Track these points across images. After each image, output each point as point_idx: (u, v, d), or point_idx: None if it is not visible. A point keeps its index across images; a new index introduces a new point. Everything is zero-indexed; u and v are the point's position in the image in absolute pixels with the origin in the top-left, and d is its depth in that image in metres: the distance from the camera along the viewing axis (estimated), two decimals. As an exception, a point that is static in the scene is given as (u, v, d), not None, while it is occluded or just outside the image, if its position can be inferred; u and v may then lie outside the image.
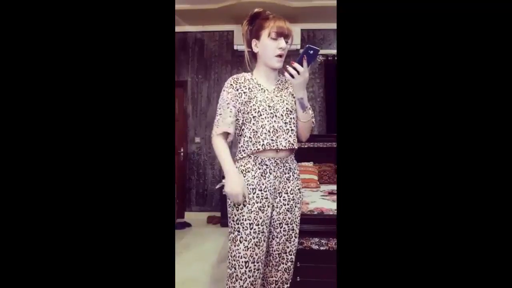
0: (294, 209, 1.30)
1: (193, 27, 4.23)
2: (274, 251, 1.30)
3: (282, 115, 1.27)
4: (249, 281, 1.20)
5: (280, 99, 1.29)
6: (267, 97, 1.27)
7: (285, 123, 1.27)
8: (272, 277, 1.32)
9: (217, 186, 3.86)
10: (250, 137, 1.25)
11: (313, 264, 1.77)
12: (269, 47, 1.25)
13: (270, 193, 1.26)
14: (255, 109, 1.25)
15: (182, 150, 4.24)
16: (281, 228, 1.28)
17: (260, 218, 1.22)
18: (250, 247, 1.19)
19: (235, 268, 1.20)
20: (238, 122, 1.28)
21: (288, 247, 1.30)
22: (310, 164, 3.43)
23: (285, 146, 1.25)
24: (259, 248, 1.21)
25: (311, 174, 3.17)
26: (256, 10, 1.33)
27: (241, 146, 1.28)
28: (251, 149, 1.24)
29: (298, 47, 3.90)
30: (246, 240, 1.20)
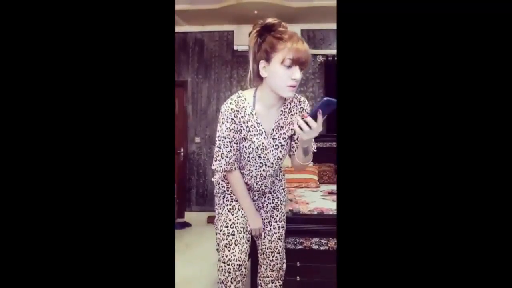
0: (280, 207, 1.35)
1: (193, 27, 4.23)
2: (267, 249, 1.32)
3: (272, 163, 1.23)
4: (241, 284, 1.24)
5: (275, 146, 1.20)
6: (262, 144, 1.18)
7: (274, 170, 1.27)
8: (268, 277, 1.34)
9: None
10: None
11: (313, 264, 1.77)
12: (280, 75, 1.07)
13: (255, 196, 1.33)
14: (247, 153, 1.20)
15: (182, 150, 4.24)
16: (271, 226, 1.33)
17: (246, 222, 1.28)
18: (244, 251, 1.23)
19: (229, 273, 1.20)
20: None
21: (280, 246, 1.34)
22: (310, 164, 3.43)
23: (267, 189, 1.32)
24: (248, 252, 1.27)
25: (311, 174, 3.18)
26: (269, 20, 1.11)
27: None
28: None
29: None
30: (240, 243, 1.22)
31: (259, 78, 1.16)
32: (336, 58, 3.97)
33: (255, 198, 1.33)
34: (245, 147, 1.19)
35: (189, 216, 4.16)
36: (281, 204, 1.35)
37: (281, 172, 1.39)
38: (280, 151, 1.22)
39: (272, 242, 1.32)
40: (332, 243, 1.79)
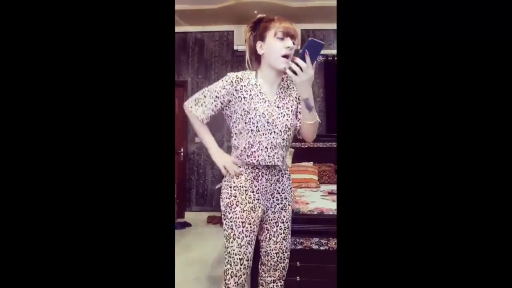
0: (288, 208, 1.33)
1: (193, 27, 4.23)
2: (272, 251, 1.31)
3: (280, 131, 1.24)
4: (243, 278, 1.24)
5: (281, 113, 1.25)
6: (267, 110, 1.23)
7: (283, 139, 1.25)
8: (270, 277, 1.33)
9: (217, 186, 3.85)
10: (245, 148, 1.25)
11: (313, 264, 1.77)
12: (275, 47, 1.20)
13: (262, 195, 1.28)
14: (254, 123, 1.22)
15: (182, 150, 4.24)
16: (277, 227, 1.31)
17: (252, 218, 1.25)
18: (243, 245, 1.23)
19: (230, 265, 1.23)
20: (232, 127, 1.29)
21: (285, 246, 1.32)
22: (310, 164, 3.43)
23: (279, 163, 1.27)
24: (251, 247, 1.25)
25: (311, 174, 3.17)
26: (259, 16, 1.30)
27: (236, 156, 1.29)
28: (245, 161, 1.26)
29: (298, 47, 3.89)
30: (239, 238, 1.23)
31: (257, 62, 1.29)
32: (336, 58, 3.98)
33: (268, 177, 1.28)
34: (251, 117, 1.22)
35: (189, 216, 4.16)
36: (289, 205, 1.34)
37: (287, 171, 1.37)
38: (287, 119, 1.26)
39: (277, 243, 1.31)
40: (332, 243, 1.79)
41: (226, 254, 1.25)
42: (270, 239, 1.31)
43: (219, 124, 4.18)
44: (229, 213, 1.26)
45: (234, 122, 1.27)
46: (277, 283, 1.34)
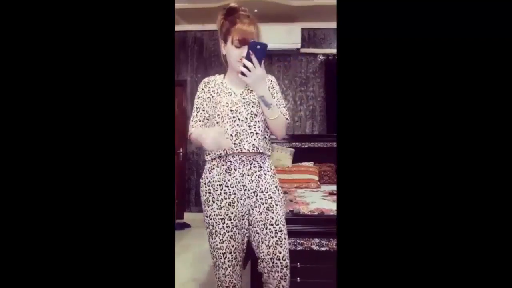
0: (276, 208, 1.27)
1: (192, 26, 4.22)
2: (266, 256, 1.26)
3: (246, 118, 1.26)
4: (230, 270, 1.26)
5: (246, 102, 1.27)
6: (232, 100, 1.27)
7: (249, 126, 1.26)
8: (270, 284, 1.29)
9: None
10: None
11: (314, 265, 1.77)
12: (233, 54, 1.24)
13: (238, 189, 1.27)
14: (219, 114, 1.27)
15: (181, 150, 4.24)
16: (266, 229, 1.26)
17: (232, 213, 1.26)
18: (226, 240, 1.25)
19: (216, 258, 1.27)
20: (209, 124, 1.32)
21: (280, 252, 1.25)
22: (311, 164, 3.42)
23: (248, 150, 1.25)
24: (234, 240, 1.26)
25: (311, 174, 3.17)
26: (231, 5, 1.29)
27: (208, 151, 1.30)
28: (215, 152, 1.27)
29: (298, 46, 3.90)
30: (220, 234, 1.25)
31: (225, 59, 1.33)
32: (336, 57, 3.97)
33: (243, 171, 1.27)
34: (218, 109, 1.27)
35: (188, 217, 4.15)
36: (276, 205, 1.27)
37: (272, 167, 1.33)
38: (253, 107, 1.27)
39: (270, 247, 1.25)
40: (333, 244, 1.78)
41: (210, 249, 1.29)
42: (262, 242, 1.26)
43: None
44: (208, 211, 1.28)
45: (211, 118, 1.31)
46: (282, 283, 1.28)
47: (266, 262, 1.27)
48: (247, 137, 1.25)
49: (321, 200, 2.29)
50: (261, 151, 1.27)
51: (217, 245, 1.26)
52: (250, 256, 1.54)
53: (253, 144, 1.25)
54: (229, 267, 1.26)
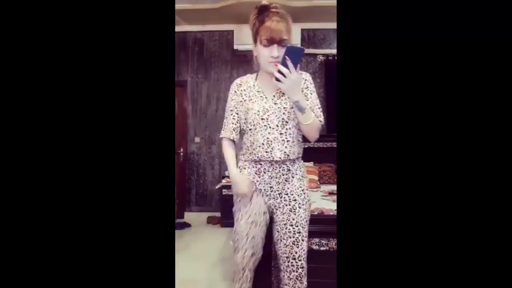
0: (298, 210, 1.29)
1: (193, 27, 4.23)
2: (282, 254, 1.29)
3: (277, 125, 1.25)
4: (249, 252, 1.30)
5: (277, 109, 1.26)
6: (263, 107, 1.26)
7: (280, 134, 1.25)
8: (286, 284, 1.29)
9: (217, 186, 3.85)
10: (248, 147, 1.31)
11: (313, 264, 1.76)
12: (263, 53, 1.20)
13: (266, 192, 1.32)
14: (251, 122, 1.28)
15: (181, 150, 4.24)
16: (286, 229, 1.29)
17: (257, 203, 1.31)
18: (250, 223, 1.29)
19: (238, 241, 1.32)
20: (241, 128, 1.36)
21: (296, 252, 1.27)
22: (310, 164, 3.43)
23: (279, 158, 1.27)
24: (255, 227, 1.30)
25: (311, 174, 3.17)
26: (262, 3, 1.23)
27: (242, 153, 1.37)
28: (248, 157, 1.33)
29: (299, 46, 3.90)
30: (245, 217, 1.30)
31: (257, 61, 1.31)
32: (336, 58, 3.97)
33: (272, 174, 1.30)
34: (249, 116, 1.28)
35: (188, 216, 4.15)
36: (299, 208, 1.29)
37: (301, 170, 1.36)
38: (284, 113, 1.26)
39: (287, 246, 1.28)
40: (333, 244, 1.79)
41: (234, 233, 1.36)
42: (280, 241, 1.30)
43: (219, 124, 4.18)
44: (236, 222, 1.35)
45: (243, 123, 1.33)
46: (297, 283, 1.28)
47: (282, 260, 1.30)
48: (278, 145, 1.25)
49: (321, 200, 2.30)
50: (292, 157, 1.29)
51: (241, 226, 1.31)
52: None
53: (284, 152, 1.26)
54: (249, 248, 1.30)
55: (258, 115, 1.26)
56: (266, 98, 1.28)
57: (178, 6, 3.50)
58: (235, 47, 4.05)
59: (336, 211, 1.85)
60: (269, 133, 1.25)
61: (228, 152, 1.36)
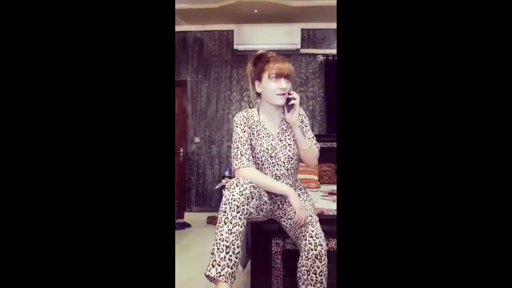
0: (315, 224, 1.28)
1: (192, 27, 4.22)
2: (303, 267, 1.22)
3: (284, 162, 1.38)
4: (238, 228, 1.15)
5: (283, 146, 1.39)
6: (271, 145, 1.38)
7: (287, 169, 1.40)
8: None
9: (217, 186, 3.85)
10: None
11: (313, 264, 1.76)
12: (270, 87, 1.33)
13: (264, 206, 1.35)
14: (259, 157, 1.37)
15: (181, 150, 4.24)
16: (306, 240, 1.23)
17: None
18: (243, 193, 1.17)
19: (225, 212, 1.16)
20: None
21: (318, 267, 1.19)
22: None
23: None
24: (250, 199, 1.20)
25: (311, 174, 3.17)
26: (259, 52, 1.42)
27: None
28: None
29: (298, 46, 3.90)
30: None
31: (258, 96, 1.44)
32: (336, 58, 3.97)
33: (277, 203, 1.39)
34: (257, 152, 1.38)
35: (188, 216, 4.15)
36: (315, 221, 1.30)
37: (304, 190, 1.48)
38: (289, 150, 1.40)
39: (309, 259, 1.20)
40: (333, 244, 1.78)
41: (222, 203, 1.20)
42: (302, 253, 1.23)
43: (218, 124, 4.18)
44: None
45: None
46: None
47: (302, 273, 1.22)
48: (285, 180, 1.40)
49: (321, 200, 2.29)
50: (293, 186, 1.42)
51: (234, 195, 1.16)
52: (250, 256, 1.54)
53: (290, 185, 1.40)
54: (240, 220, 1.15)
55: (267, 152, 1.36)
56: (272, 135, 1.40)
57: (178, 6, 3.49)
58: (235, 47, 4.05)
59: (336, 211, 1.85)
60: (276, 169, 1.38)
61: (262, 175, 1.31)
